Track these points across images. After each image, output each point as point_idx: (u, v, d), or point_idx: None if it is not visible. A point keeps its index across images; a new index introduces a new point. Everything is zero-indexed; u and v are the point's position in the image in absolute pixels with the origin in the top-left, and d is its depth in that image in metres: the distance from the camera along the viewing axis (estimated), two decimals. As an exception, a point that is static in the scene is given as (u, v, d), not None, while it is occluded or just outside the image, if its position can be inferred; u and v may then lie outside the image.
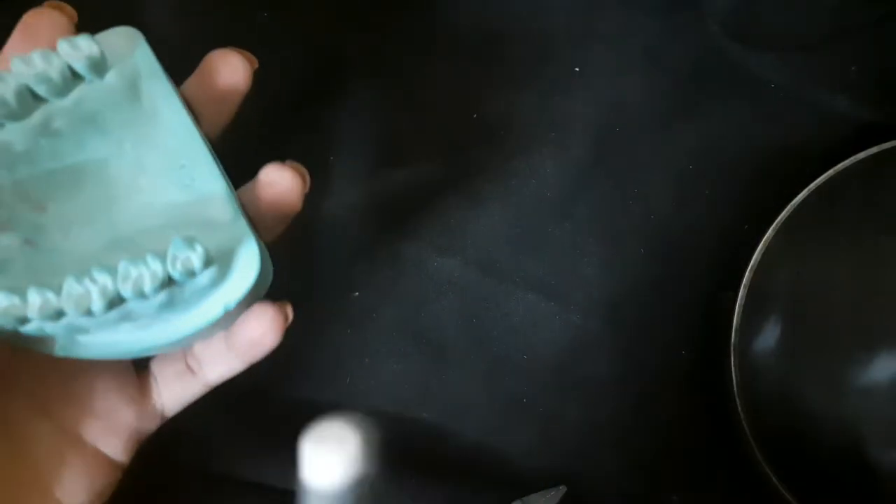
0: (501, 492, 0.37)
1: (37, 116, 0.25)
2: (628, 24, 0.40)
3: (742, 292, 0.35)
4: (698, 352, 0.39)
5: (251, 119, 0.41)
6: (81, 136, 0.26)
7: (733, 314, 0.35)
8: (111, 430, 0.27)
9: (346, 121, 0.39)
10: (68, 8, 0.27)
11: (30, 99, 0.25)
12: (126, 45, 0.26)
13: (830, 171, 0.36)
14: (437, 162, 0.39)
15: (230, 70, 0.27)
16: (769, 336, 0.36)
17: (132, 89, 0.26)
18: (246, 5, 0.41)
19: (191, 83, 0.27)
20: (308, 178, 0.27)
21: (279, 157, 0.28)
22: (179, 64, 0.41)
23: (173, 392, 0.28)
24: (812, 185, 0.36)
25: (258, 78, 0.44)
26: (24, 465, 0.25)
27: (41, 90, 0.25)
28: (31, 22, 0.26)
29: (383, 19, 0.40)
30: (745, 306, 0.35)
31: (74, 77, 0.25)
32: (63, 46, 0.24)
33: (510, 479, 0.38)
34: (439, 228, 0.39)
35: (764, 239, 0.36)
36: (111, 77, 0.26)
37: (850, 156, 0.36)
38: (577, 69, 0.40)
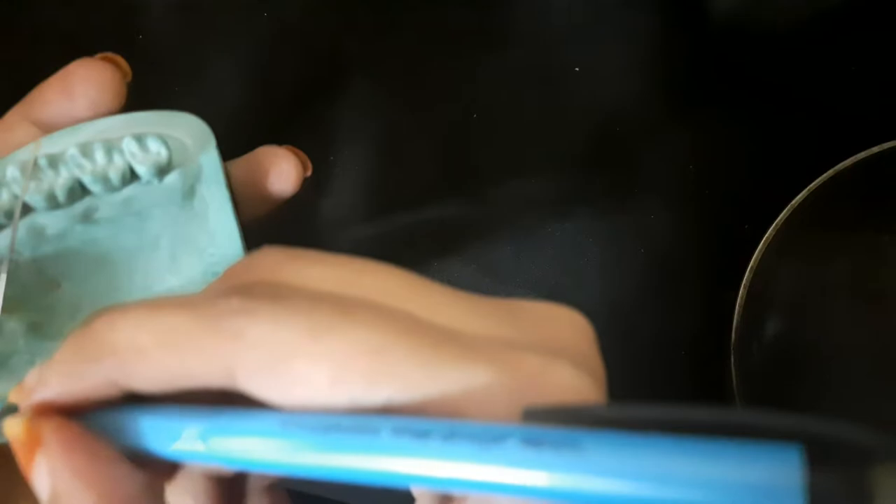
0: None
1: (80, 206, 0.23)
2: (628, 24, 0.40)
3: (742, 292, 0.35)
4: (698, 352, 0.39)
5: (251, 119, 0.41)
6: (119, 229, 0.24)
7: (733, 314, 0.35)
8: None
9: (346, 121, 0.39)
10: (123, 63, 0.24)
11: (79, 192, 0.23)
12: (194, 145, 0.23)
13: (830, 171, 0.36)
14: (437, 162, 0.39)
15: (280, 176, 0.25)
16: (769, 336, 0.36)
17: (188, 191, 0.23)
18: (246, 5, 0.41)
19: (237, 170, 0.25)
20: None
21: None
22: (180, 64, 0.41)
23: None
24: (812, 185, 0.36)
25: (258, 78, 0.44)
26: None
27: (95, 187, 0.22)
28: (74, 73, 0.23)
29: (383, 19, 0.40)
30: (745, 306, 0.35)
31: (133, 176, 0.23)
32: (130, 146, 0.22)
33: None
34: (439, 228, 0.39)
35: (764, 239, 0.35)
36: (171, 179, 0.23)
37: (850, 156, 0.36)
38: (577, 69, 0.40)
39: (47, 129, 0.24)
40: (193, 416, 0.16)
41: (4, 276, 0.22)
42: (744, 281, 0.35)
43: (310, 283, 0.17)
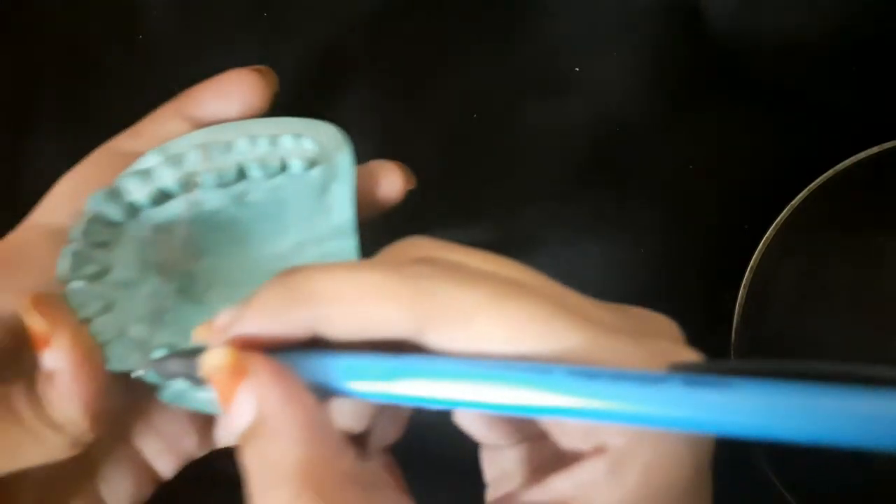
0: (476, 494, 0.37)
1: (236, 188, 0.26)
2: (628, 24, 0.40)
3: (742, 292, 0.35)
4: (698, 352, 0.38)
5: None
6: (261, 213, 0.27)
7: (733, 314, 0.35)
8: (169, 451, 0.28)
9: (347, 120, 0.39)
10: (271, 77, 0.28)
11: (240, 175, 0.26)
12: (333, 147, 0.27)
13: (830, 171, 0.36)
14: (437, 162, 0.39)
15: (389, 185, 0.28)
16: (769, 336, 0.36)
17: (323, 188, 0.27)
18: (247, 5, 0.41)
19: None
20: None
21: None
22: (180, 64, 0.41)
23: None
24: (812, 185, 0.36)
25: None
26: (81, 459, 0.26)
27: (254, 172, 0.26)
28: (230, 80, 0.27)
29: (383, 19, 0.40)
30: (745, 306, 0.35)
31: (284, 168, 0.26)
32: (288, 141, 0.26)
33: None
34: (440, 229, 0.39)
35: (764, 239, 0.35)
36: (313, 174, 0.27)
37: (850, 156, 0.36)
38: (577, 69, 0.40)
39: (198, 125, 0.27)
40: (380, 359, 0.18)
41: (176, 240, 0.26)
42: (744, 281, 0.35)
43: (472, 265, 0.20)
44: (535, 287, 0.19)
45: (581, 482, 0.18)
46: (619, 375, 0.16)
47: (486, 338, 0.18)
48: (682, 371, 0.16)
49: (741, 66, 0.40)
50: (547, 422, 0.19)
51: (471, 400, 0.17)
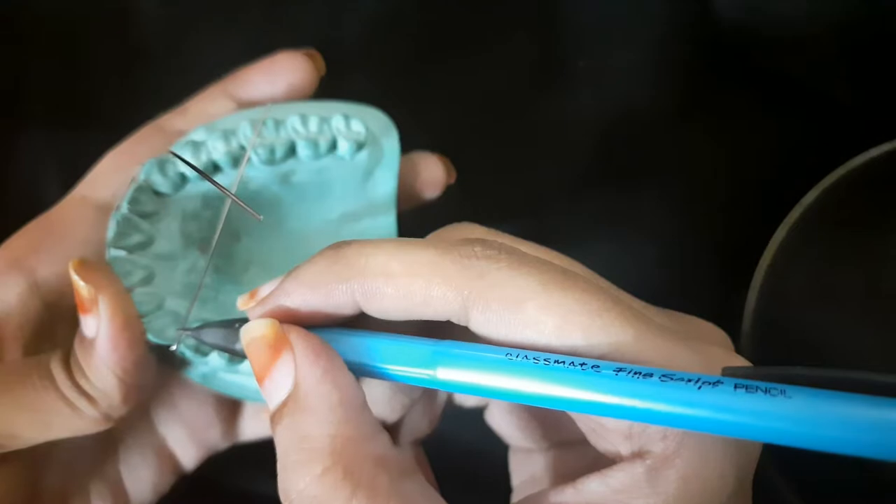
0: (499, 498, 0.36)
1: (283, 167, 0.26)
2: (633, 21, 0.40)
3: (752, 294, 0.35)
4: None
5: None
6: (304, 195, 0.27)
7: (743, 318, 0.35)
8: (193, 442, 0.28)
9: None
10: (320, 61, 0.28)
11: (289, 153, 0.26)
12: (380, 132, 0.27)
13: (841, 169, 0.35)
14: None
15: (430, 181, 0.29)
16: (780, 337, 0.35)
17: (367, 172, 0.27)
18: (244, 4, 0.40)
19: None
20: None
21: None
22: (177, 63, 0.40)
23: (255, 427, 0.29)
24: (823, 184, 0.35)
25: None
26: (104, 442, 0.27)
27: (303, 151, 0.26)
28: (280, 62, 0.27)
29: (383, 17, 0.40)
30: (756, 309, 0.34)
31: (331, 149, 0.26)
32: (339, 122, 0.26)
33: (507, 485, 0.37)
34: (439, 227, 0.38)
35: (774, 237, 0.35)
36: (359, 158, 0.27)
37: (863, 152, 0.35)
38: (580, 64, 0.39)
39: (244, 106, 0.27)
40: (422, 343, 0.18)
41: (222, 225, 0.25)
42: (754, 281, 0.35)
43: (524, 251, 0.19)
44: (587, 279, 0.18)
45: (617, 486, 0.17)
46: (669, 376, 0.16)
47: (535, 326, 0.17)
48: (734, 376, 0.16)
49: (753, 62, 0.39)
50: (587, 423, 0.19)
51: (513, 391, 0.17)
